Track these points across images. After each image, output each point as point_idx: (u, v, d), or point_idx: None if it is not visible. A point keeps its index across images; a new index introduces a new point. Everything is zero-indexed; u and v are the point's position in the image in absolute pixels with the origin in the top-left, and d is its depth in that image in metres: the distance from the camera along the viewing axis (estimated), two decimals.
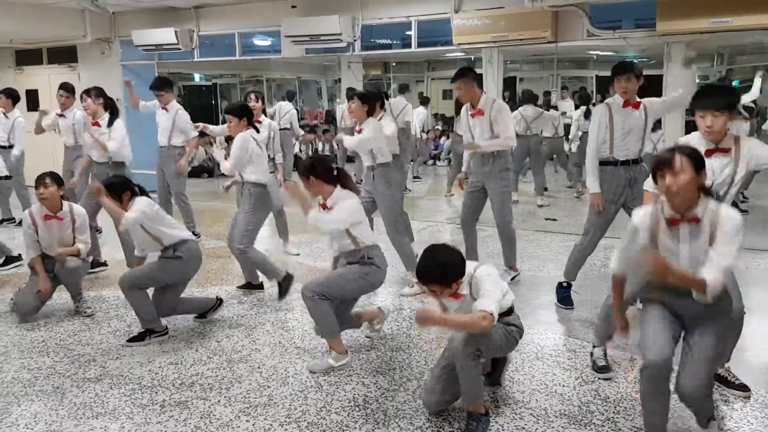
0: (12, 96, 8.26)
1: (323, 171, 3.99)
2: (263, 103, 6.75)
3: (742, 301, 3.50)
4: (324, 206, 4.01)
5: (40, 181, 5.04)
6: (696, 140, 3.37)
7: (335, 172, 4.04)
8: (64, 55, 11.57)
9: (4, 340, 4.59)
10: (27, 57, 12.01)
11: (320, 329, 4.03)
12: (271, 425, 3.34)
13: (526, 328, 4.57)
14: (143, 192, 4.70)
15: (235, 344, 4.43)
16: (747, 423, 3.27)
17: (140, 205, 4.51)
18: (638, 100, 4.62)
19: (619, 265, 3.12)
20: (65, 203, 5.16)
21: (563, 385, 3.70)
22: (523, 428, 3.26)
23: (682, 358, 2.89)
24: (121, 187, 4.60)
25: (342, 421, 3.36)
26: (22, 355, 4.30)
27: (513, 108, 9.57)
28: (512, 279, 5.63)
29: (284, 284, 5.26)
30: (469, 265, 3.24)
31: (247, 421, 3.39)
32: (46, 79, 11.67)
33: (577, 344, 4.29)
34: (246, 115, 5.23)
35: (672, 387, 2.86)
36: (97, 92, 6.21)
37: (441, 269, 3.11)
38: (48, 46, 11.64)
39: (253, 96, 6.58)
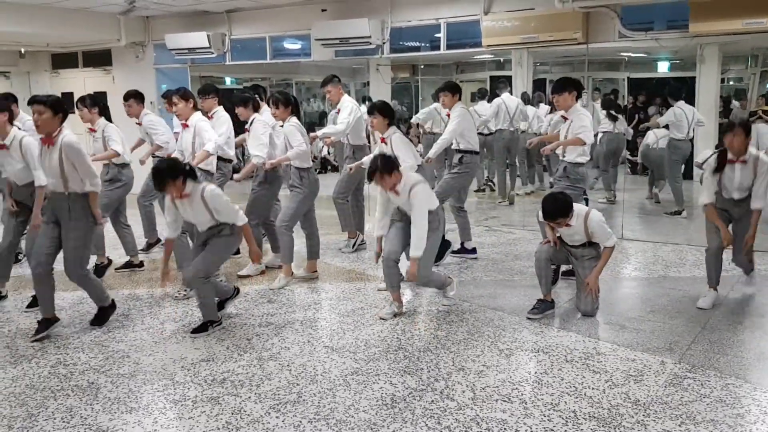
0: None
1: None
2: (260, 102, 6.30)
3: None
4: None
5: None
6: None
7: None
8: (99, 58, 11.80)
9: None
10: (63, 60, 12.28)
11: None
12: (300, 422, 3.37)
13: (554, 330, 4.60)
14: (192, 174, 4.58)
15: (265, 342, 4.48)
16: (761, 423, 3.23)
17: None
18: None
19: (708, 197, 4.85)
20: None
21: (593, 388, 3.68)
22: (552, 430, 3.24)
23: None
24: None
25: (370, 420, 3.38)
26: (59, 351, 4.41)
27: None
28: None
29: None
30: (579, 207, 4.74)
31: (276, 417, 3.43)
32: (81, 82, 11.92)
33: (607, 347, 4.26)
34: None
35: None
36: (91, 101, 6.14)
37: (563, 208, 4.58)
38: (83, 49, 11.89)
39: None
